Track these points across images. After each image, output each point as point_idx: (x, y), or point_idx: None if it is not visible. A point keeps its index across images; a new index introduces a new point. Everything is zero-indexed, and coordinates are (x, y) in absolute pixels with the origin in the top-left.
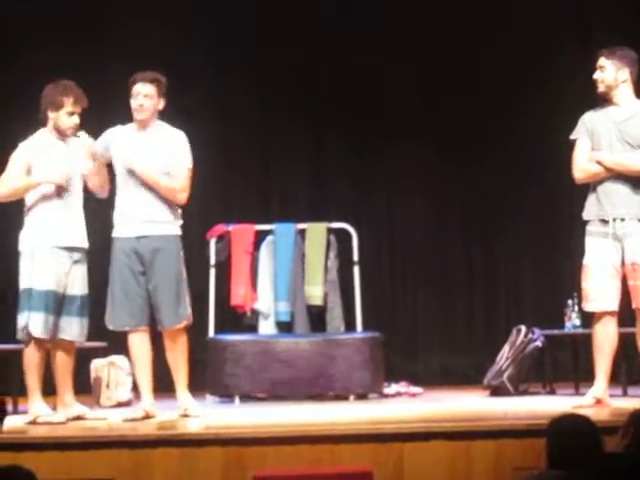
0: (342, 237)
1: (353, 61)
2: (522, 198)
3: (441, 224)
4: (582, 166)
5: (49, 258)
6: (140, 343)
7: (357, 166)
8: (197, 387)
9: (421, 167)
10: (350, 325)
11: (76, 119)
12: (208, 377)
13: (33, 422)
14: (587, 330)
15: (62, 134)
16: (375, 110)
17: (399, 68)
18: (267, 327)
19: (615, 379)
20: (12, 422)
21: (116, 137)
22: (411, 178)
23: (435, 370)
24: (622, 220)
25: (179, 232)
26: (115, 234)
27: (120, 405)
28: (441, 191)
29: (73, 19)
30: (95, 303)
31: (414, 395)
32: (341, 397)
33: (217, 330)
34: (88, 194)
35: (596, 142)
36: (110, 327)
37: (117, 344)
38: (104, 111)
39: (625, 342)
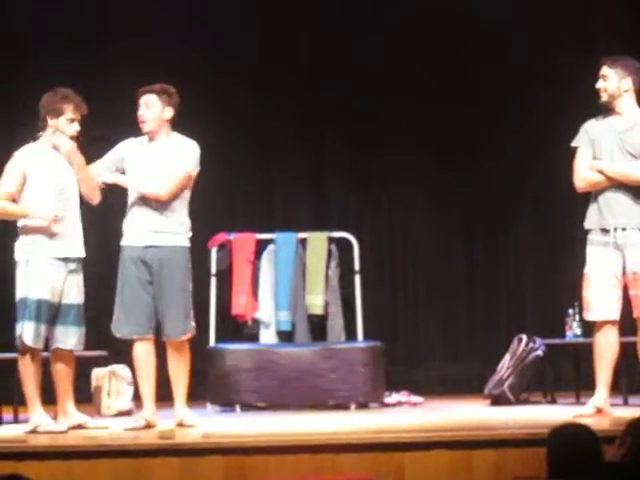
0: (343, 246)
1: (353, 69)
2: (524, 207)
3: (442, 233)
4: (583, 175)
5: (45, 268)
6: (145, 352)
7: (358, 175)
8: (198, 396)
9: (422, 176)
10: (351, 334)
11: (76, 126)
12: (209, 386)
13: (34, 431)
14: (588, 339)
15: None
16: (376, 119)
17: (400, 75)
18: (268, 336)
19: (616, 388)
20: (13, 431)
21: (128, 149)
22: (412, 187)
23: (436, 379)
24: (623, 230)
25: (187, 244)
26: (123, 242)
27: (121, 414)
28: (442, 201)
29: (77, 30)
30: (96, 312)
31: (415, 404)
32: (342, 406)
33: (218, 339)
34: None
35: (597, 151)
36: (117, 335)
37: (118, 353)
38: (109, 120)
39: (626, 351)
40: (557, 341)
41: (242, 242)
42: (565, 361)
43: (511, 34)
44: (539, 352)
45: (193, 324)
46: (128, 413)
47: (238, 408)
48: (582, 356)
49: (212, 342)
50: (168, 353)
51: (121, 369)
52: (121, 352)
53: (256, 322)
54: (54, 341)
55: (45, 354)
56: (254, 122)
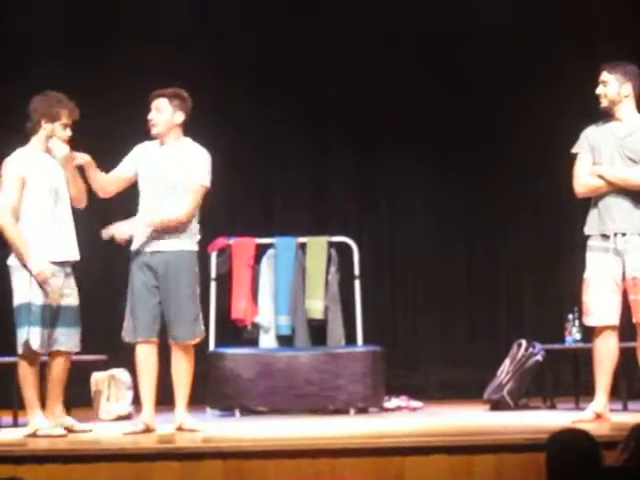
0: (343, 251)
1: (355, 71)
2: (523, 212)
3: (442, 238)
4: (583, 180)
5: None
6: (147, 355)
7: (358, 180)
8: (197, 400)
9: (422, 181)
10: (351, 339)
11: (69, 131)
12: (208, 390)
13: (33, 435)
14: (588, 344)
15: None
16: (376, 122)
17: (400, 77)
18: (268, 341)
19: (615, 394)
20: (12, 435)
21: (142, 153)
22: (412, 192)
23: (435, 384)
24: (623, 235)
25: (194, 247)
26: (132, 248)
27: (120, 418)
28: (442, 205)
29: (77, 36)
30: (96, 316)
31: (414, 409)
32: (341, 411)
33: (218, 343)
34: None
35: (597, 157)
36: (126, 340)
37: (117, 357)
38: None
39: (625, 357)
40: (556, 346)
41: (242, 246)
42: (564, 366)
43: (512, 35)
44: (538, 357)
45: (202, 327)
46: (127, 417)
47: (237, 412)
48: (582, 361)
49: (212, 346)
50: (173, 357)
51: (121, 373)
52: (121, 356)
53: (256, 326)
54: (53, 343)
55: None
56: (254, 127)
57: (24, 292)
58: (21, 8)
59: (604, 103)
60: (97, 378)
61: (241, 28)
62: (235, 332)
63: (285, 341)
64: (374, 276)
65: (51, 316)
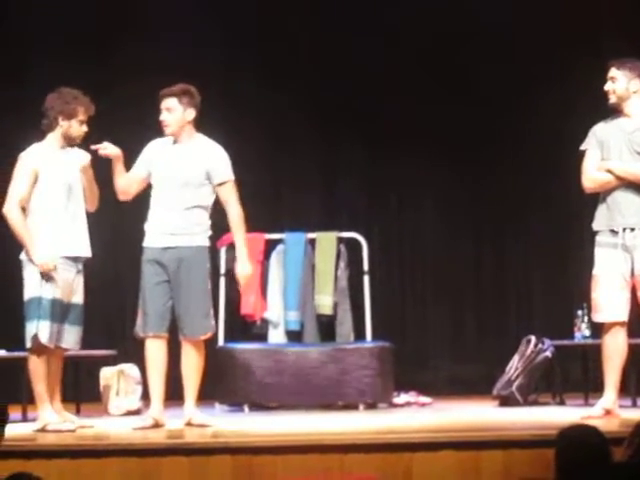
0: (352, 246)
1: (365, 69)
2: (533, 208)
3: (451, 234)
4: (591, 175)
5: (58, 267)
6: (157, 350)
7: (368, 176)
8: (206, 396)
9: (432, 177)
10: (360, 334)
11: (85, 127)
12: (217, 386)
13: (42, 430)
14: (597, 341)
15: (71, 142)
16: (385, 119)
17: (414, 77)
18: (277, 336)
19: (625, 390)
20: (21, 430)
21: (154, 151)
22: (422, 188)
23: (444, 380)
24: (632, 230)
25: (206, 243)
26: (144, 244)
27: (129, 413)
28: (452, 201)
29: (87, 31)
30: (105, 312)
31: (423, 405)
32: (350, 406)
33: (227, 339)
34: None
35: (606, 153)
36: (140, 335)
37: (127, 352)
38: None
39: (634, 353)
40: (566, 342)
41: (251, 242)
42: (574, 362)
43: (515, 34)
44: (548, 353)
45: (212, 323)
46: (137, 412)
47: (246, 408)
48: (591, 357)
49: (221, 342)
50: (183, 352)
51: (130, 368)
52: (130, 351)
53: (265, 322)
54: (57, 339)
55: None
56: (263, 122)
57: (35, 286)
58: (22, 8)
59: (612, 99)
60: (106, 373)
61: (254, 35)
62: (244, 327)
63: (294, 336)
64: (383, 272)
65: (62, 312)
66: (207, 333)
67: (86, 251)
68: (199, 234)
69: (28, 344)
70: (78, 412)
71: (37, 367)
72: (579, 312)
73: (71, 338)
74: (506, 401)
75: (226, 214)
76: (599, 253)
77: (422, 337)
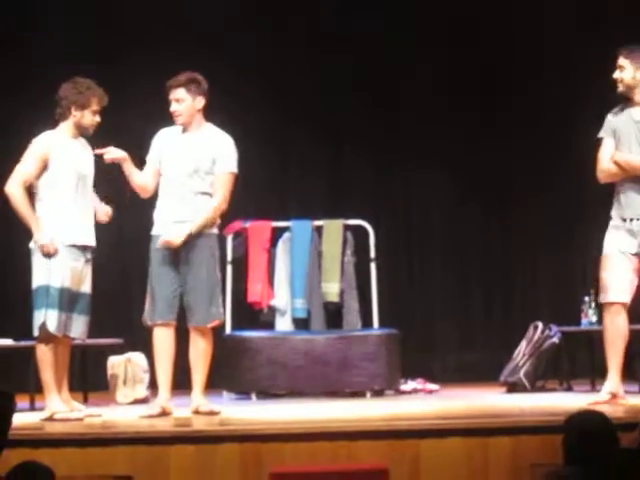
0: (359, 234)
1: (369, 55)
2: (541, 195)
3: (458, 221)
4: (602, 167)
5: (66, 256)
6: (164, 338)
7: (374, 162)
8: (214, 384)
9: (439, 163)
10: (367, 322)
11: (98, 118)
12: (225, 374)
13: (50, 418)
14: None
15: (83, 132)
16: (393, 106)
17: (418, 58)
18: (284, 323)
19: (630, 376)
20: (29, 419)
21: (163, 141)
22: (428, 174)
23: (452, 367)
24: (638, 220)
25: (215, 231)
26: (153, 232)
27: (137, 402)
28: (459, 189)
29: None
30: (113, 300)
31: (431, 392)
32: (358, 394)
33: (234, 327)
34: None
35: (617, 142)
36: (148, 323)
37: (134, 341)
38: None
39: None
40: (573, 328)
41: (258, 230)
42: (581, 348)
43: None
44: (555, 339)
45: (221, 311)
46: (144, 401)
47: (254, 396)
48: (598, 343)
49: (228, 329)
50: (191, 340)
51: (137, 357)
52: (137, 340)
53: (272, 309)
54: (65, 328)
55: None
56: (270, 110)
57: (43, 275)
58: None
59: (620, 88)
60: (114, 362)
61: (262, 30)
62: (251, 315)
63: (301, 324)
64: (390, 259)
65: (70, 301)
66: (215, 321)
67: (93, 240)
68: None
69: (36, 333)
70: (86, 401)
71: (45, 356)
72: (586, 298)
73: (79, 328)
74: (513, 387)
75: (233, 202)
76: (608, 237)
77: (429, 324)
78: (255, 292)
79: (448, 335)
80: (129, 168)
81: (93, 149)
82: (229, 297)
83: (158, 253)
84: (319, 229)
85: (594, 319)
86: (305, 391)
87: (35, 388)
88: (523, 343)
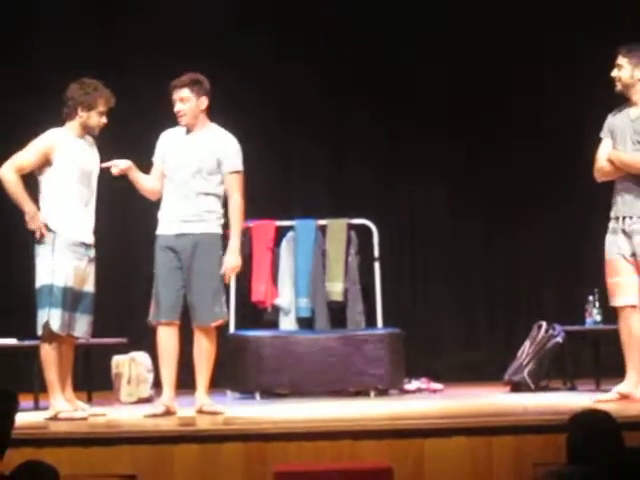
0: (363, 233)
1: (376, 55)
2: (545, 195)
3: (462, 221)
4: (597, 165)
5: (69, 254)
6: (168, 337)
7: (378, 162)
8: (218, 383)
9: (442, 163)
10: (370, 321)
11: (104, 119)
12: (229, 373)
13: (54, 418)
14: (608, 326)
15: (90, 132)
16: (398, 106)
17: (425, 60)
18: (288, 323)
19: None
20: (33, 418)
21: (167, 142)
22: (433, 174)
23: (456, 366)
24: (630, 218)
25: (218, 230)
26: (157, 231)
27: (141, 401)
28: (462, 188)
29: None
30: (116, 299)
31: (434, 391)
32: (361, 393)
33: (238, 326)
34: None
35: (614, 141)
36: (153, 323)
37: (138, 340)
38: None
39: None
40: (577, 328)
41: (262, 229)
42: (585, 348)
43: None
44: (559, 339)
45: (225, 310)
46: (148, 400)
47: (258, 395)
48: (602, 343)
49: (232, 329)
50: (195, 339)
51: (141, 356)
52: (141, 339)
53: (276, 309)
54: (68, 327)
55: None
56: (273, 109)
57: (47, 274)
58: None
59: (618, 86)
60: (118, 361)
61: (264, 35)
62: (255, 314)
63: (305, 323)
64: (394, 258)
65: (73, 300)
66: (219, 320)
67: (91, 238)
68: (211, 221)
69: (40, 332)
70: (90, 400)
71: (48, 355)
72: (590, 297)
73: (82, 327)
74: (517, 387)
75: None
76: (608, 239)
77: (433, 323)
78: (259, 291)
79: (452, 334)
80: (135, 175)
81: (101, 159)
82: (233, 296)
83: (162, 253)
84: (323, 228)
85: (598, 318)
86: (309, 390)
87: (39, 387)
88: (527, 343)
